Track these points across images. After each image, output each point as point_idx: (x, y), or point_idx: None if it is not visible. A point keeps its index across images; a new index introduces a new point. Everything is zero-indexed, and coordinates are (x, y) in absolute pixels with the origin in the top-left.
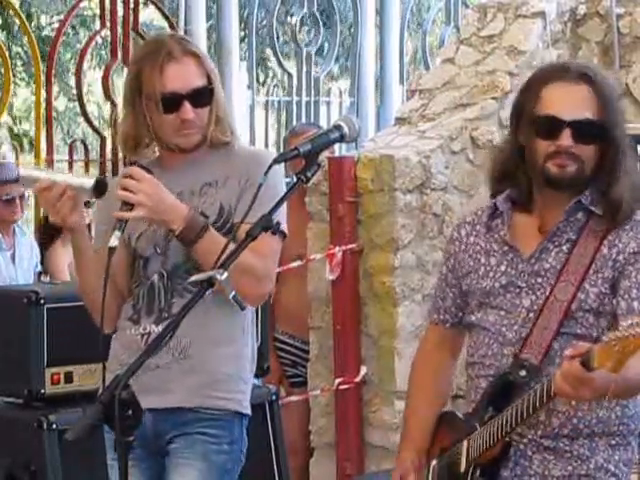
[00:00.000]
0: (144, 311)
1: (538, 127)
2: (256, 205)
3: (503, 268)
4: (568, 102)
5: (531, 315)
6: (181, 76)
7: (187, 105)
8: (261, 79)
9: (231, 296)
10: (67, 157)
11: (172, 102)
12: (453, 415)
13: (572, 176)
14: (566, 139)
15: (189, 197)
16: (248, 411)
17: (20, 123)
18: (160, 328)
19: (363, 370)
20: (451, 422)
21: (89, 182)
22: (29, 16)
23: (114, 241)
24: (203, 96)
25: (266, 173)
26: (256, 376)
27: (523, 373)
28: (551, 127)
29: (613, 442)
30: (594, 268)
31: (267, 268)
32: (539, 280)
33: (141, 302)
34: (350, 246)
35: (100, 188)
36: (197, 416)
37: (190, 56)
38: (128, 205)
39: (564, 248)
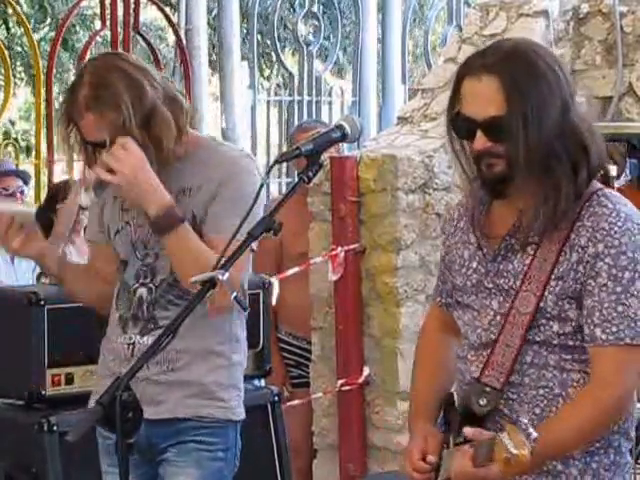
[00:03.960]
0: (130, 321)
1: (457, 128)
2: (226, 213)
3: (474, 265)
4: (475, 100)
5: (498, 318)
6: (88, 129)
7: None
8: (262, 79)
9: (233, 296)
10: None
11: (97, 146)
12: (452, 400)
13: (501, 175)
14: (480, 141)
15: None
16: (241, 417)
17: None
18: (145, 339)
19: (366, 371)
20: (449, 407)
21: (32, 212)
22: (42, 7)
23: (85, 200)
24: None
25: (268, 173)
26: (258, 377)
27: (483, 402)
28: (467, 128)
29: (592, 449)
30: (556, 274)
31: (238, 278)
32: (502, 281)
33: (126, 311)
34: (352, 246)
35: (41, 218)
36: (190, 425)
37: (90, 112)
38: (111, 171)
39: (528, 249)
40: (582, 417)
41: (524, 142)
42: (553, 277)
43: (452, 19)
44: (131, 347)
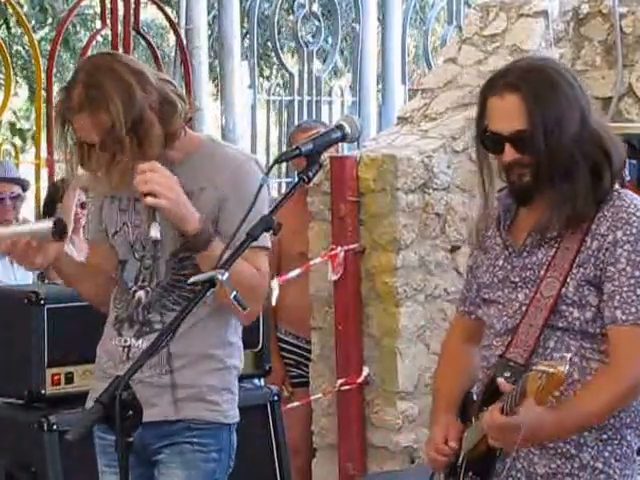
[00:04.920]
0: (126, 323)
1: (486, 143)
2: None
3: (500, 263)
4: (501, 116)
5: (523, 308)
6: (81, 130)
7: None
8: (262, 79)
9: (232, 296)
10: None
11: (90, 146)
12: (471, 397)
13: (530, 184)
14: (509, 153)
15: None
16: (234, 420)
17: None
18: (140, 342)
19: (365, 371)
20: (468, 404)
21: (48, 225)
22: (42, 8)
23: (156, 232)
24: (109, 144)
25: (267, 173)
26: (258, 377)
27: (507, 374)
28: (496, 142)
29: (604, 437)
30: (577, 262)
31: (267, 285)
32: (529, 274)
33: (122, 313)
34: (352, 246)
35: (59, 228)
36: (182, 426)
37: (83, 112)
38: (150, 195)
39: (552, 242)
40: (601, 397)
41: (546, 152)
42: (575, 265)
43: (452, 19)
44: (126, 350)
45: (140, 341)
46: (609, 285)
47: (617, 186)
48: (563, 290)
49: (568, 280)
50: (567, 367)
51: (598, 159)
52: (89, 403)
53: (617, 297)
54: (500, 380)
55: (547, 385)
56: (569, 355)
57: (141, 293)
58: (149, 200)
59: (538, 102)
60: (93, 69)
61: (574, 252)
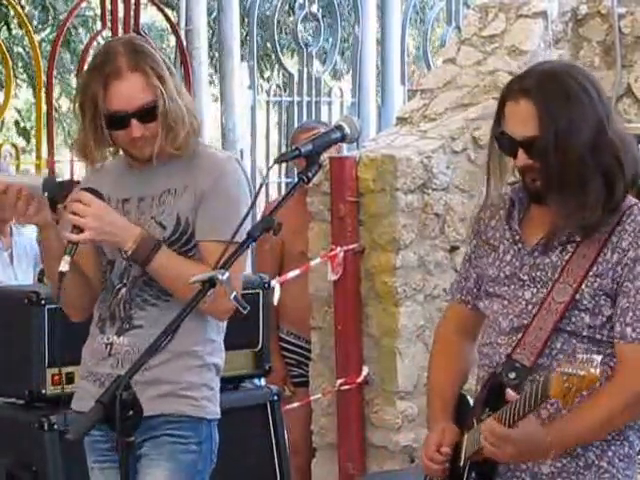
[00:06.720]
0: (108, 321)
1: (502, 145)
2: (213, 221)
3: (508, 258)
4: (515, 121)
5: (529, 307)
6: (126, 95)
7: (134, 123)
8: (262, 80)
9: (232, 296)
10: (69, 158)
11: (119, 121)
12: (465, 400)
13: (542, 188)
14: (521, 158)
15: (149, 204)
16: (214, 416)
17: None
18: (122, 339)
19: (365, 370)
20: (462, 408)
21: (39, 183)
22: (44, 8)
23: (64, 266)
24: (151, 112)
25: (267, 173)
26: (258, 377)
27: (512, 375)
28: (510, 146)
29: (608, 437)
30: (594, 271)
31: (240, 281)
32: (539, 274)
33: (105, 311)
34: (352, 246)
35: (50, 185)
36: (162, 420)
37: (137, 72)
38: (78, 228)
39: (568, 247)
40: (601, 411)
41: (556, 160)
42: (591, 274)
43: (451, 20)
44: (108, 347)
45: (122, 339)
46: (624, 300)
47: (635, 199)
48: (577, 296)
49: (583, 287)
50: (598, 369)
51: (612, 169)
52: (76, 403)
53: (630, 314)
54: (509, 392)
55: (577, 388)
56: (599, 357)
57: (124, 290)
58: (72, 237)
59: (551, 109)
60: (131, 40)
61: (590, 260)
